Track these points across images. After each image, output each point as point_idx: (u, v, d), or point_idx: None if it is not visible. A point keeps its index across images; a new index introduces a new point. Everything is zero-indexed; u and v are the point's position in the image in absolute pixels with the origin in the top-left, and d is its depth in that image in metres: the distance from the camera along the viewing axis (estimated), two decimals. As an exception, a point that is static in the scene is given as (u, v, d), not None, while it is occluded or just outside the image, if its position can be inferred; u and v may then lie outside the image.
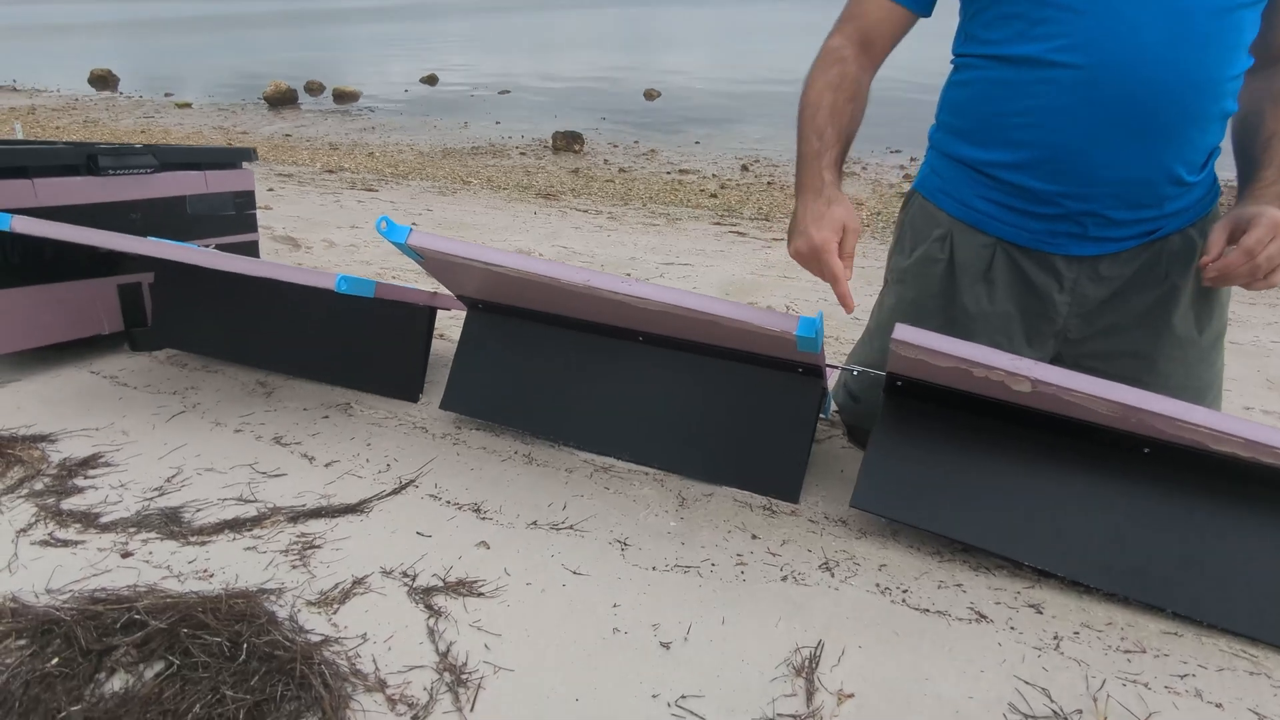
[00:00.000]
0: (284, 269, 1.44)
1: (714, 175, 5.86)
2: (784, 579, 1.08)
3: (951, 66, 1.20)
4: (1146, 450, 1.07)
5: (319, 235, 3.22)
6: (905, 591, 1.06)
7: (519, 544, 1.13)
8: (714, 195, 5.08)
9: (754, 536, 1.17)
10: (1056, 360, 1.23)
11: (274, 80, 10.13)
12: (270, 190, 4.45)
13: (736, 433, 1.31)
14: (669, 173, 5.93)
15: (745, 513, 1.24)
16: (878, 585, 1.07)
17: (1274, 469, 0.99)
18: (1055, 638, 0.98)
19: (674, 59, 15.74)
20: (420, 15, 42.83)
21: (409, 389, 1.59)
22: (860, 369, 1.31)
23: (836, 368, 1.34)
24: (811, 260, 1.04)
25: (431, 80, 12.21)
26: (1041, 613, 1.02)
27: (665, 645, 0.94)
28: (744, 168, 6.10)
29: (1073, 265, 1.15)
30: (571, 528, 1.18)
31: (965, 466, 1.15)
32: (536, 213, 4.16)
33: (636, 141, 7.23)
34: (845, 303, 1.02)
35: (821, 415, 1.45)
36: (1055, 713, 0.86)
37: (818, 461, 1.41)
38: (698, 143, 7.21)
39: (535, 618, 0.98)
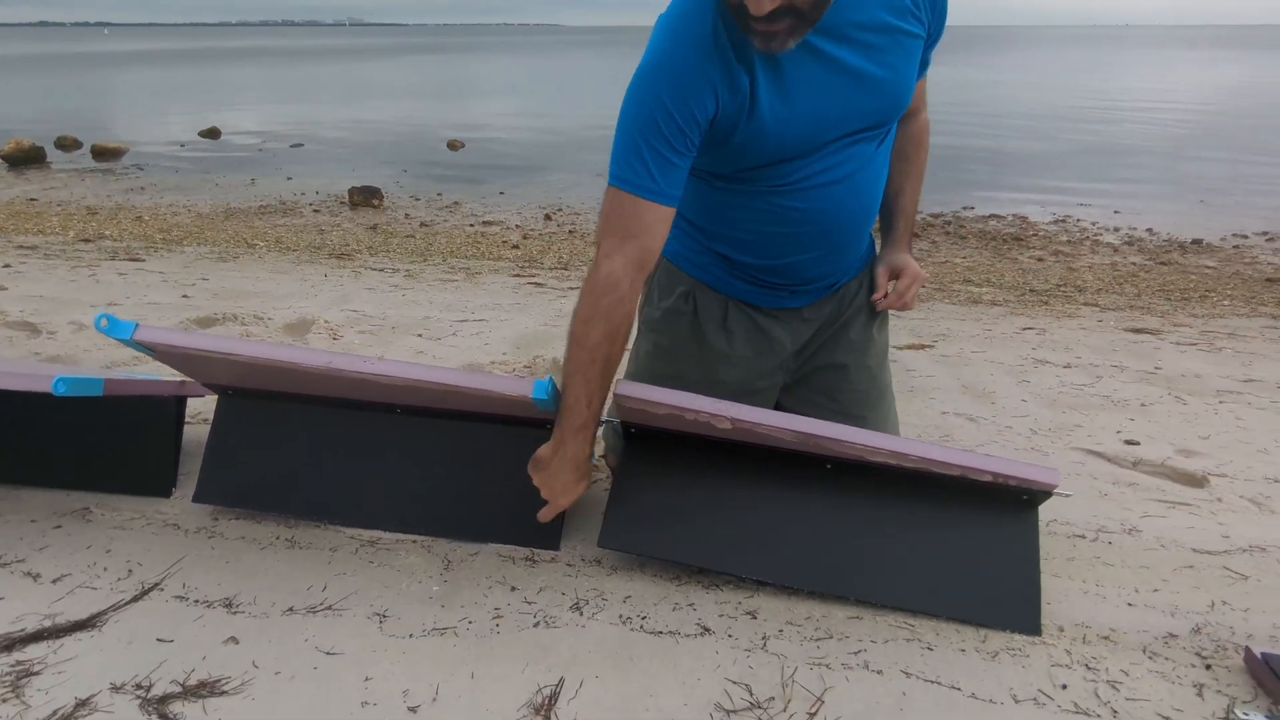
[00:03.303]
0: (-7, 373, 1.33)
1: (517, 225, 5.98)
2: (536, 625, 1.16)
3: None
4: (829, 466, 1.29)
5: (66, 317, 2.91)
6: (644, 618, 1.19)
7: (272, 634, 1.13)
8: (516, 246, 5.19)
9: (513, 588, 1.25)
10: (789, 383, 1.48)
11: (14, 137, 8.95)
12: (6, 267, 3.94)
13: (495, 490, 1.39)
14: (472, 225, 5.98)
15: (508, 566, 1.31)
16: (620, 616, 1.19)
17: (916, 471, 1.23)
18: (764, 638, 1.14)
19: (478, 108, 15.85)
20: (200, 60, 39.68)
21: (159, 484, 1.51)
22: (606, 420, 1.45)
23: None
24: (551, 510, 1.25)
25: (213, 133, 11.38)
26: (756, 617, 1.19)
27: (413, 710, 0.99)
28: (547, 216, 6.29)
29: (786, 314, 1.43)
30: (330, 608, 1.19)
31: (692, 499, 1.31)
32: (327, 275, 4.03)
33: (440, 194, 7.21)
34: (544, 516, 1.26)
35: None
36: (752, 704, 1.01)
37: (584, 504, 1.52)
38: (502, 193, 7.32)
39: (282, 707, 0.99)
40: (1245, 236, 5.70)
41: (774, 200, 1.26)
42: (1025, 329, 3.19)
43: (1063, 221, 6.18)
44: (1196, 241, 5.53)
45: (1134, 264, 4.97)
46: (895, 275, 1.43)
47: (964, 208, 6.63)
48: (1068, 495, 1.32)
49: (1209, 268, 4.89)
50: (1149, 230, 5.88)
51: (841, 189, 1.26)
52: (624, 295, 1.15)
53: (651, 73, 1.11)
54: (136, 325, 1.24)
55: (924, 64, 1.33)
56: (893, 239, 1.46)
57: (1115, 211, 6.50)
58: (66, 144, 9.92)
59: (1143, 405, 2.24)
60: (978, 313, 3.51)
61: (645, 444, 1.33)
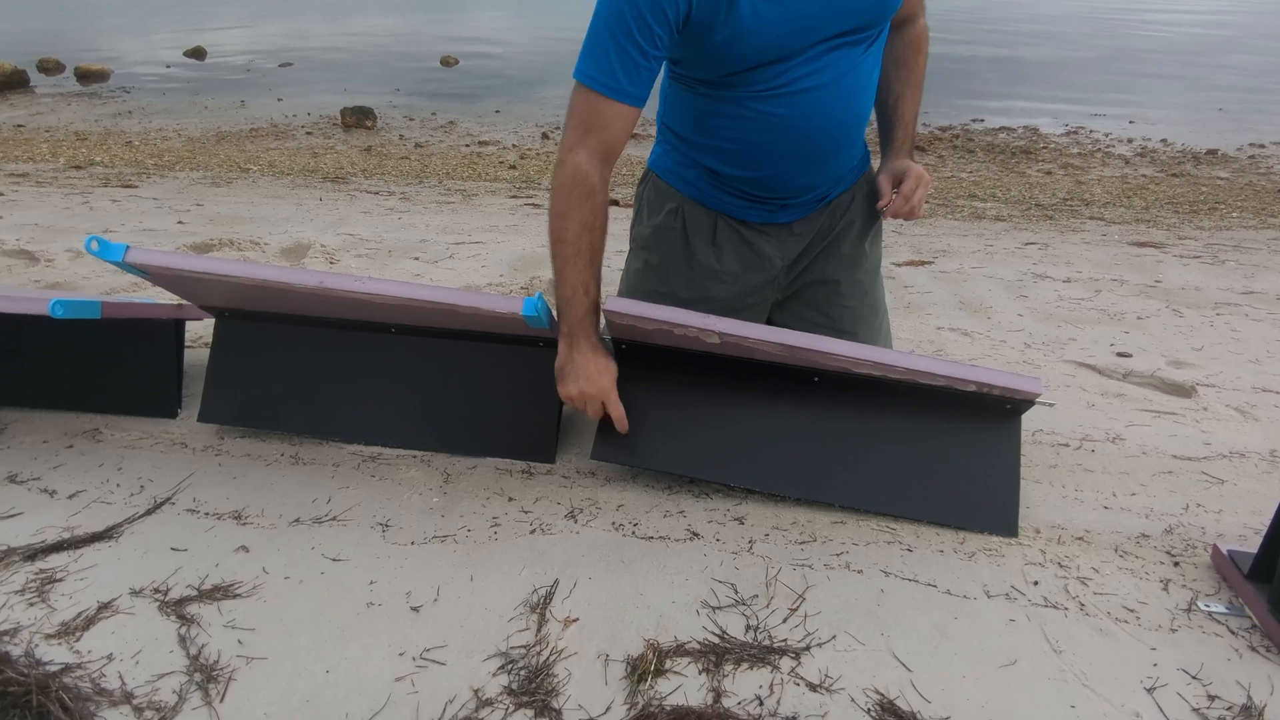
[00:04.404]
0: (-9, 297, 1.34)
1: (514, 145, 5.85)
2: (532, 532, 1.22)
3: (668, 77, 1.35)
4: (816, 379, 1.31)
5: (62, 245, 2.91)
6: (636, 525, 1.24)
7: (280, 543, 1.18)
8: (513, 167, 5.10)
9: (510, 499, 1.30)
10: (780, 299, 1.48)
11: (-6, 60, 8.69)
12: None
13: (491, 407, 1.42)
14: (468, 145, 5.86)
15: (505, 479, 1.36)
16: (613, 524, 1.24)
17: (899, 382, 1.25)
18: (750, 542, 1.19)
19: (472, 21, 15.20)
20: (181, -25, 37.85)
21: (164, 405, 1.55)
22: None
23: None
24: (594, 403, 1.24)
25: (198, 53, 11.00)
26: (743, 523, 1.24)
27: (415, 609, 1.05)
28: (544, 135, 6.15)
29: (775, 229, 1.41)
30: (335, 519, 1.24)
31: (682, 412, 1.33)
32: (323, 199, 3.98)
33: (434, 114, 7.03)
34: (621, 425, 1.25)
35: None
36: (737, 601, 1.06)
37: (577, 418, 1.55)
38: (498, 111, 7.14)
39: (291, 607, 1.05)
40: (1263, 146, 5.55)
41: (757, 106, 1.23)
42: (1028, 244, 3.16)
43: (1075, 133, 6.01)
44: (1211, 152, 5.39)
45: (1144, 176, 4.86)
46: (899, 182, 1.37)
47: (973, 119, 6.44)
48: (1050, 404, 1.34)
49: (1221, 179, 4.79)
50: (1163, 141, 5.73)
51: (826, 94, 1.22)
52: (594, 185, 1.18)
53: None
54: (128, 247, 1.25)
55: None
56: (893, 148, 1.41)
57: (1130, 122, 6.31)
58: (49, 67, 9.63)
59: (1139, 318, 2.24)
60: (980, 228, 3.46)
61: (636, 359, 1.35)
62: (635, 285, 1.49)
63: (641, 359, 1.35)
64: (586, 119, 1.17)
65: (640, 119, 1.21)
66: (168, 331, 1.52)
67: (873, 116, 1.40)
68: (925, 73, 1.44)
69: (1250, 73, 8.27)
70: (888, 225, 3.42)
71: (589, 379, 1.23)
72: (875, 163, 1.45)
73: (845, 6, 1.15)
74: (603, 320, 1.27)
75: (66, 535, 1.20)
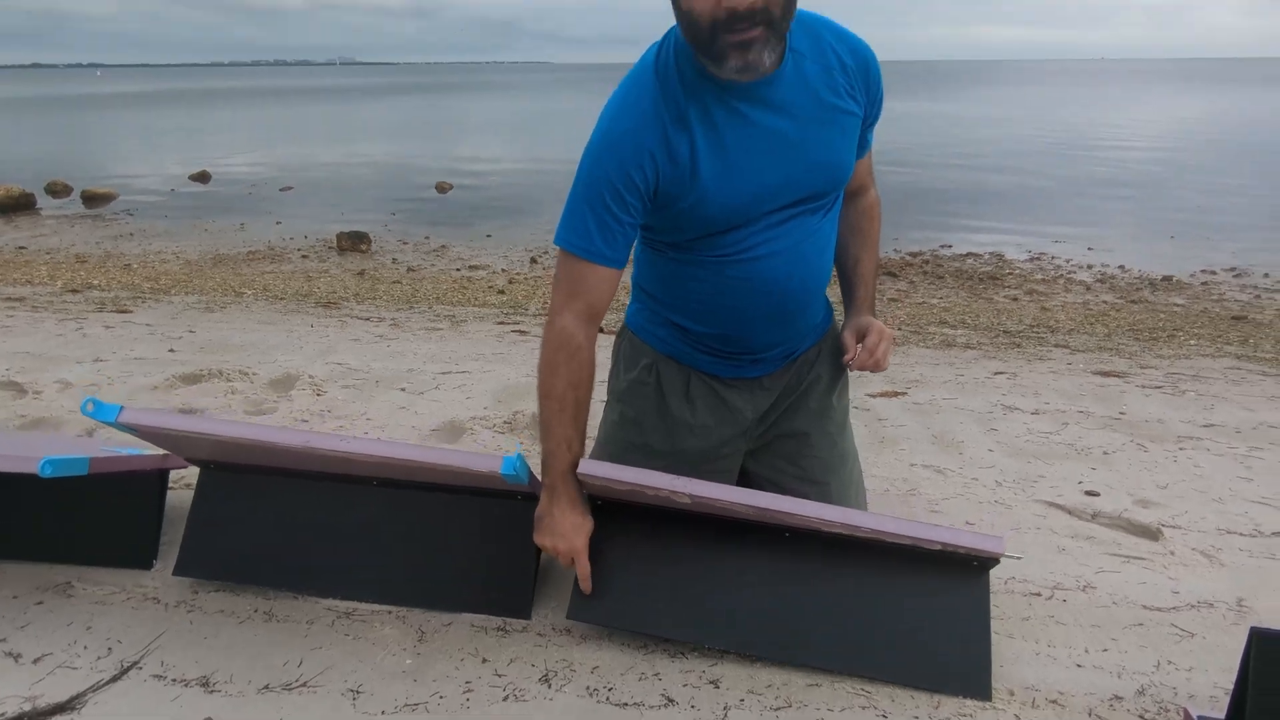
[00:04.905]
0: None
1: (503, 270, 6.07)
2: (505, 699, 1.20)
3: (640, 241, 1.45)
4: (787, 535, 1.34)
5: (52, 376, 2.95)
6: (610, 689, 1.23)
7: (247, 712, 1.16)
8: (501, 291, 5.26)
9: (484, 660, 1.29)
10: (752, 449, 1.52)
11: (3, 184, 9.03)
12: (-6, 321, 3.98)
13: (468, 561, 1.43)
14: (458, 269, 6.06)
15: (480, 637, 1.35)
16: (588, 688, 1.23)
17: (871, 542, 1.29)
18: (725, 708, 1.19)
19: (467, 149, 16.08)
20: (192, 102, 40.11)
21: (141, 557, 1.54)
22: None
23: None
24: (566, 559, 1.30)
25: (203, 177, 11.51)
26: (719, 686, 1.23)
27: (382, 790, 1.02)
28: (533, 260, 6.39)
29: (745, 383, 1.48)
30: (305, 685, 1.22)
31: (656, 570, 1.35)
32: (314, 325, 4.08)
33: (427, 237, 7.32)
34: (585, 585, 1.31)
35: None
36: (711, 778, 1.05)
37: (555, 572, 1.56)
38: (489, 235, 7.44)
39: (254, 790, 1.02)
40: (1214, 273, 5.85)
41: (722, 270, 1.32)
42: (997, 373, 3.27)
43: (1038, 259, 6.33)
44: (1167, 278, 5.68)
45: (1105, 302, 5.09)
46: (862, 337, 1.44)
47: (942, 246, 6.78)
48: (1017, 558, 1.38)
49: (1178, 305, 5.03)
50: (1121, 267, 6.04)
51: (787, 259, 1.31)
52: (580, 345, 1.26)
53: (596, 143, 1.23)
54: (121, 408, 1.29)
55: (865, 143, 1.41)
56: (855, 305, 1.50)
57: (1089, 248, 6.67)
58: (57, 189, 10.01)
59: (1105, 453, 2.31)
60: (951, 356, 3.59)
61: (610, 515, 1.38)
62: (611, 436, 1.54)
63: (617, 515, 1.38)
64: (570, 283, 1.27)
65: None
66: (152, 483, 1.54)
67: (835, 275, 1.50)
68: (880, 235, 1.56)
69: (1195, 206, 8.85)
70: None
71: (563, 536, 1.27)
72: (839, 317, 1.55)
73: (799, 176, 1.26)
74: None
75: (28, 707, 1.17)
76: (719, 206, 1.25)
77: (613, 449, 1.51)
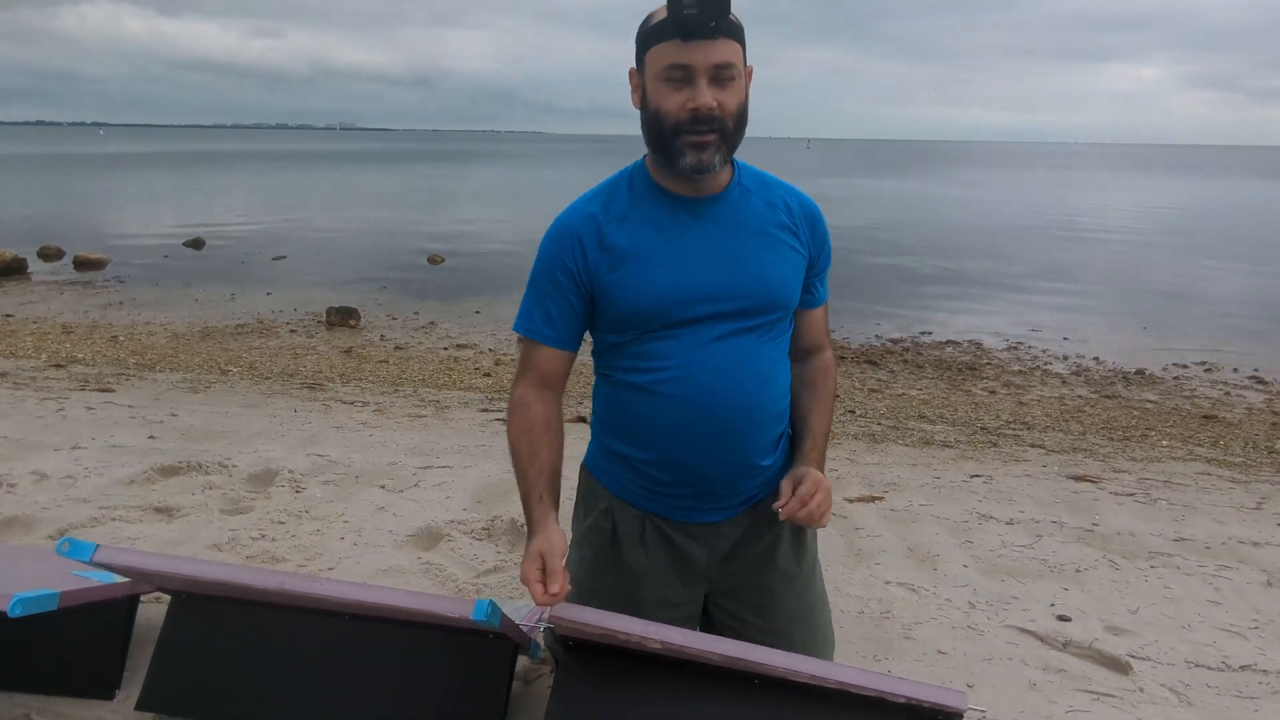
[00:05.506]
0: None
1: (490, 350, 6.12)
2: None
3: (596, 377, 1.51)
4: (757, 681, 1.35)
5: (27, 466, 2.93)
6: None
7: None
8: (487, 374, 5.30)
9: (448, 811, 1.27)
10: (713, 593, 1.50)
11: (-5, 249, 9.10)
12: (-26, 401, 3.96)
13: (437, 697, 1.42)
14: (445, 348, 6.11)
15: (445, 783, 1.33)
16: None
17: (841, 692, 1.29)
18: None
19: (461, 219, 16.39)
20: (192, 164, 40.84)
21: (103, 687, 1.52)
22: (546, 626, 1.50)
23: (530, 626, 1.53)
24: (533, 565, 1.33)
25: (197, 244, 11.64)
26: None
27: None
28: (519, 339, 6.46)
29: (702, 529, 1.45)
30: (262, 840, 1.20)
31: (627, 712, 1.35)
32: (296, 410, 4.09)
33: (416, 313, 7.39)
34: (554, 586, 1.31)
35: (533, 656, 1.61)
36: None
37: (528, 701, 1.55)
38: (478, 312, 7.52)
39: None
40: (1185, 366, 6.00)
41: (658, 387, 1.35)
42: (973, 476, 3.31)
43: (1015, 349, 6.47)
44: (1140, 372, 5.81)
45: (1080, 397, 5.20)
46: (797, 485, 1.36)
47: (922, 332, 6.93)
48: (982, 711, 1.38)
49: (1150, 401, 5.14)
50: (1095, 359, 6.18)
51: (724, 379, 1.34)
52: (535, 410, 1.40)
53: (544, 236, 1.39)
54: (96, 547, 1.30)
55: (818, 295, 1.47)
56: (800, 455, 1.44)
57: (1065, 338, 6.84)
58: (49, 254, 10.08)
59: (1077, 570, 2.34)
60: (928, 456, 3.64)
61: (582, 656, 1.38)
62: (577, 577, 1.50)
63: (588, 655, 1.38)
64: (523, 360, 1.44)
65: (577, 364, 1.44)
66: (120, 611, 1.53)
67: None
68: (834, 394, 1.54)
69: (1166, 293, 9.16)
70: (841, 453, 3.59)
71: (523, 563, 1.33)
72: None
73: (734, 286, 1.32)
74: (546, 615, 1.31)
75: None
76: (644, 294, 1.32)
77: (577, 591, 1.51)
